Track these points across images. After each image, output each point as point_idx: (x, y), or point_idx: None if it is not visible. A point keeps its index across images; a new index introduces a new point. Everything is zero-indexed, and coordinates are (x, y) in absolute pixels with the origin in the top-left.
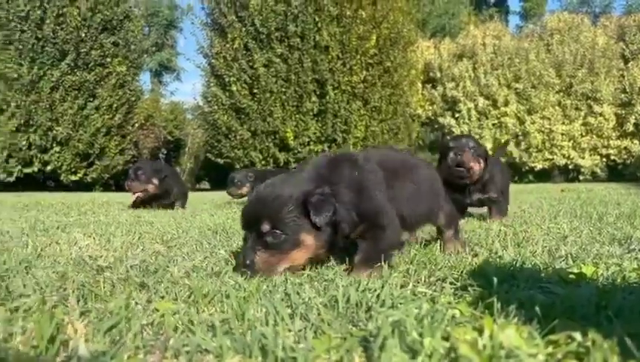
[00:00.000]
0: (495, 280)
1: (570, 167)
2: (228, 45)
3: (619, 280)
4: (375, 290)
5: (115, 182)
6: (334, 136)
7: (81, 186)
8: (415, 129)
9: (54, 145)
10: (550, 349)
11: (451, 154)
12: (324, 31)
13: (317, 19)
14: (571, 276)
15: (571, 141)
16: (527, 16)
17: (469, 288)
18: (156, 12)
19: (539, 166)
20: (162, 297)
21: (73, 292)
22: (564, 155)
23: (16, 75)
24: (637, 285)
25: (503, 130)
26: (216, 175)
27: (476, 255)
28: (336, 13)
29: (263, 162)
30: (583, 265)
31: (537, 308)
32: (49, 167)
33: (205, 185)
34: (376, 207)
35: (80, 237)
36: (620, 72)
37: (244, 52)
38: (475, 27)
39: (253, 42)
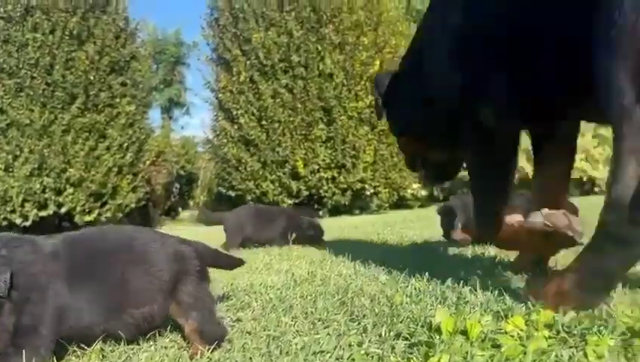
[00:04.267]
0: (439, 336)
1: (584, 179)
2: (234, 79)
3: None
4: (328, 352)
5: (130, 221)
6: (344, 161)
7: (96, 226)
8: None
9: (68, 186)
10: None
11: None
12: (327, 59)
13: (319, 48)
14: (528, 322)
15: (584, 153)
16: None
17: (418, 346)
18: (163, 50)
19: None
20: None
21: None
22: (577, 168)
23: (28, 121)
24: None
25: None
26: (229, 207)
27: (445, 299)
28: (338, 42)
29: (276, 192)
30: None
31: None
32: (63, 209)
33: None
34: None
35: None
36: None
37: (250, 84)
38: None
39: (259, 74)
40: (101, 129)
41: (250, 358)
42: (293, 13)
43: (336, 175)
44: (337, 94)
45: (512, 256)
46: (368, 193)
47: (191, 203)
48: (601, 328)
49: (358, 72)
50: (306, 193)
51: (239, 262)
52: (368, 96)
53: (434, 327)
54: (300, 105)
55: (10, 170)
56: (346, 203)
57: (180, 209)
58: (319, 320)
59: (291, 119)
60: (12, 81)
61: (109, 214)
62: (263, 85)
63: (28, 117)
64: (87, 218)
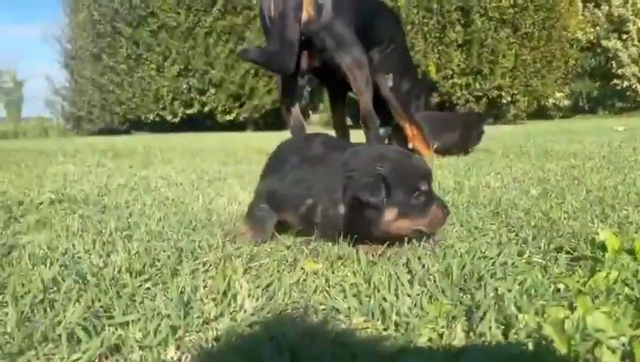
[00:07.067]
0: (604, 253)
1: None
2: None
3: None
4: (491, 258)
5: (265, 122)
6: (480, 67)
7: (235, 125)
8: (573, 55)
9: (210, 87)
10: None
11: None
12: None
13: None
14: None
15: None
16: None
17: (582, 260)
18: None
19: None
20: (307, 256)
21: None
22: None
23: (175, 24)
24: None
25: None
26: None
27: (606, 217)
28: None
29: None
30: None
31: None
32: (206, 108)
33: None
34: None
35: (239, 191)
36: None
37: None
38: None
39: None
40: (240, 31)
41: (419, 257)
42: None
43: (471, 81)
44: None
45: None
46: (505, 101)
47: (321, 105)
48: None
49: None
50: (436, 99)
51: None
52: None
53: (598, 244)
54: (435, 6)
55: (161, 70)
56: (480, 111)
57: (309, 112)
58: (476, 229)
59: (425, 21)
60: None
61: (246, 115)
62: None
63: (175, 19)
64: (228, 117)
